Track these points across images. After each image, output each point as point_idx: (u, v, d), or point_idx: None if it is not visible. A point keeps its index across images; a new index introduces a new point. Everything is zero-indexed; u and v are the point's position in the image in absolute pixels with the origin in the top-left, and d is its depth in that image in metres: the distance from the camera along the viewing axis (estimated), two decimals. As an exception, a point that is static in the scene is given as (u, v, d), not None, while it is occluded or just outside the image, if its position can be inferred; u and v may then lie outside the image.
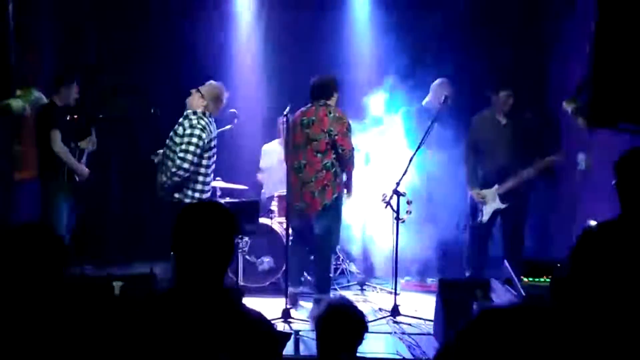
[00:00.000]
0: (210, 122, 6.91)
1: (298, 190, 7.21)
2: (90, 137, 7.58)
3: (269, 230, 7.92)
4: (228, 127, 8.00)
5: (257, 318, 2.90)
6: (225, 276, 2.90)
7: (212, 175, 7.03)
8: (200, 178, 6.89)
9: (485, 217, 7.58)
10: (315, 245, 7.43)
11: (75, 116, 7.60)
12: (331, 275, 7.73)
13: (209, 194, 7.02)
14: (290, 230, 7.26)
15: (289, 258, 7.26)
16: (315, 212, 7.24)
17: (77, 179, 7.41)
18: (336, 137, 7.15)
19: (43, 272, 2.81)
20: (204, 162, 6.86)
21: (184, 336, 2.71)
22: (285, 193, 7.42)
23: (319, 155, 7.18)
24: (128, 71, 8.97)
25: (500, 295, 5.58)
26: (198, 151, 6.78)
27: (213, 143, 6.92)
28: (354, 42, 9.28)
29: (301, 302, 7.45)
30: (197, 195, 6.88)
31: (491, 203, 7.54)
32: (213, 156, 6.95)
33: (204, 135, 6.79)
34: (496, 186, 7.51)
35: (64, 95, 7.38)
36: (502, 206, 7.50)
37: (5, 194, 7.56)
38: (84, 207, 7.75)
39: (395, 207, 6.99)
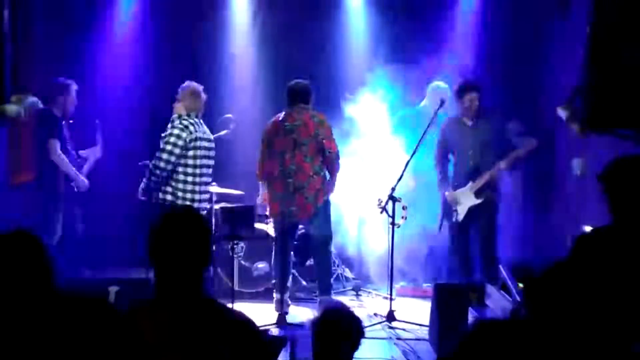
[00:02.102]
0: (195, 122, 6.94)
1: (289, 195, 7.19)
2: (95, 148, 7.59)
3: (265, 235, 7.90)
4: (224, 132, 8.01)
5: (241, 320, 2.92)
6: (204, 281, 2.90)
7: (201, 177, 6.99)
8: (181, 177, 6.90)
9: (460, 216, 7.59)
10: (315, 250, 7.49)
11: (71, 120, 7.60)
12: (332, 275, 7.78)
13: (199, 196, 6.99)
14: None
15: (274, 263, 7.43)
16: (308, 216, 7.27)
17: (75, 186, 7.40)
18: (323, 140, 7.19)
19: (26, 280, 2.79)
20: (190, 161, 6.89)
21: (169, 344, 2.73)
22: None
23: (308, 159, 7.19)
24: (126, 76, 8.95)
25: (495, 300, 5.58)
26: (176, 150, 6.83)
27: (199, 143, 6.92)
28: (348, 46, 9.26)
29: (295, 307, 7.44)
30: (179, 194, 6.91)
31: (466, 201, 7.54)
32: (201, 158, 6.94)
33: (183, 135, 6.83)
34: (470, 184, 7.51)
35: (60, 104, 7.39)
36: (478, 201, 7.50)
37: (1, 197, 7.56)
38: (81, 211, 7.74)
39: (390, 213, 6.98)
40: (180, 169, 6.88)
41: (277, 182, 7.24)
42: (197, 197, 6.93)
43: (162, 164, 6.83)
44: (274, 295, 7.36)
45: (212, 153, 7.10)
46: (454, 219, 7.64)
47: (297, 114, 7.22)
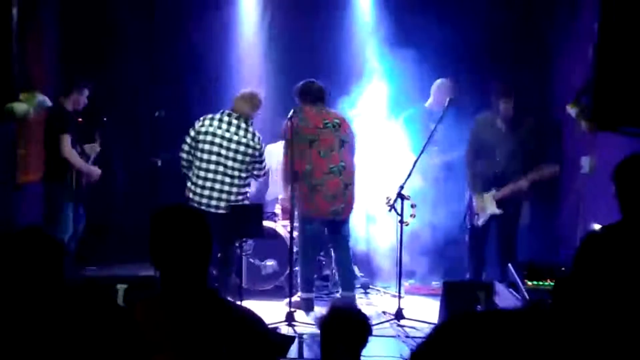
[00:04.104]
0: (223, 120, 7.11)
1: (341, 192, 7.22)
2: (94, 144, 7.60)
3: (273, 233, 7.93)
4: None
5: (248, 317, 2.94)
6: (208, 275, 2.92)
7: (215, 174, 7.03)
8: (193, 170, 7.10)
9: (481, 222, 7.59)
10: (345, 247, 7.50)
11: (80, 119, 7.63)
12: None
13: (209, 192, 7.02)
14: (295, 234, 7.28)
15: (305, 263, 7.36)
16: (350, 213, 7.39)
17: (83, 182, 7.43)
18: (352, 140, 7.38)
19: (39, 275, 2.82)
20: (198, 154, 7.09)
21: (175, 338, 2.75)
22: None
23: (351, 157, 7.32)
24: (132, 74, 8.97)
25: (504, 298, 5.60)
26: (188, 139, 7.12)
27: (205, 137, 7.05)
28: (356, 45, 9.25)
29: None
30: (192, 188, 7.11)
31: (488, 208, 7.54)
32: (206, 152, 7.03)
33: (196, 124, 7.13)
34: (493, 191, 7.51)
35: (75, 100, 7.42)
36: (498, 212, 7.50)
37: (8, 197, 7.59)
38: (89, 209, 7.77)
39: (399, 211, 6.99)
40: (194, 160, 7.10)
41: (330, 180, 7.20)
42: (206, 192, 6.98)
43: (180, 154, 7.16)
44: (300, 294, 7.30)
45: (233, 155, 7.07)
46: (475, 222, 7.65)
47: (329, 113, 7.30)
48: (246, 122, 7.11)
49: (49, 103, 7.42)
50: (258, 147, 7.15)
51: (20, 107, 7.08)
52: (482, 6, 8.64)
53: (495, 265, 7.61)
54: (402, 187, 7.01)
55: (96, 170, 7.50)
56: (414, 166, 7.12)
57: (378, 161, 8.15)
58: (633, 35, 4.70)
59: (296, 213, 7.29)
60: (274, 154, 8.74)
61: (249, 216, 7.14)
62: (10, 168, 7.74)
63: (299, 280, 7.40)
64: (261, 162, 7.24)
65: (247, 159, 7.08)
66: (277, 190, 8.52)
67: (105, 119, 8.01)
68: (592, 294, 3.11)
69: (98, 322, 2.76)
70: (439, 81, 8.31)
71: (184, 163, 7.17)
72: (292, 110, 7.15)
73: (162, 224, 2.90)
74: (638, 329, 3.27)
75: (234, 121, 7.05)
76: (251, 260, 7.95)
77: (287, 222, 7.71)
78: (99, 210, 8.47)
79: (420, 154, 7.17)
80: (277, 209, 8.34)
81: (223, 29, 9.24)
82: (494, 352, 1.74)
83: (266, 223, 7.85)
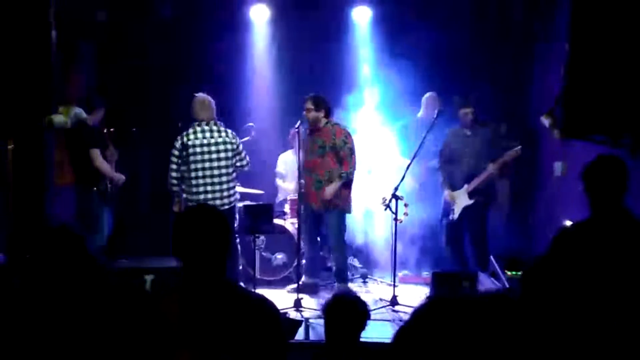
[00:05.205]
0: (198, 130, 7.01)
1: None
2: (111, 150, 7.66)
3: (283, 229, 7.99)
4: (246, 138, 8.07)
5: (259, 299, 2.99)
6: (226, 267, 2.93)
7: (204, 179, 6.99)
8: (185, 178, 7.04)
9: (456, 215, 7.66)
10: None
11: (112, 129, 7.71)
12: None
13: (204, 196, 6.96)
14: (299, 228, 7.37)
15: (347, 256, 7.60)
16: None
17: (112, 186, 7.50)
18: None
19: (68, 267, 2.85)
20: (190, 166, 6.99)
21: (198, 325, 2.78)
22: (296, 197, 7.52)
23: None
24: (158, 91, 9.00)
25: (486, 286, 5.65)
26: (173, 158, 7.03)
27: (193, 150, 6.97)
28: (355, 62, 9.26)
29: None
30: (187, 196, 7.06)
31: (461, 201, 7.61)
32: (196, 162, 6.98)
33: (177, 144, 7.03)
34: (465, 186, 7.62)
35: (95, 116, 7.50)
36: (470, 202, 7.57)
37: (48, 198, 7.64)
38: (121, 208, 7.83)
39: (393, 210, 7.03)
40: (185, 173, 7.03)
41: None
42: (201, 197, 6.94)
43: (170, 174, 7.08)
44: (339, 284, 7.45)
45: (217, 155, 7.02)
46: (450, 217, 7.71)
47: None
48: (216, 124, 7.11)
49: (84, 115, 7.48)
50: (234, 140, 7.12)
51: (58, 118, 7.13)
52: (469, 30, 8.69)
53: (471, 256, 7.68)
54: (396, 189, 7.05)
55: (121, 177, 7.57)
56: (407, 170, 7.16)
57: (375, 165, 8.19)
58: (599, 55, 4.76)
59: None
60: (285, 161, 8.79)
61: (261, 215, 7.19)
62: (50, 172, 7.79)
63: (338, 270, 7.51)
64: (240, 152, 7.15)
65: (230, 154, 7.06)
66: (286, 193, 8.58)
67: (134, 129, 8.06)
68: (562, 281, 3.15)
69: (129, 308, 2.79)
70: (427, 95, 8.36)
71: (174, 181, 7.06)
72: (298, 122, 7.19)
73: (187, 221, 2.94)
74: (604, 314, 3.31)
75: (206, 127, 7.03)
76: (263, 253, 8.01)
77: (294, 220, 7.77)
78: (129, 209, 8.51)
79: (412, 159, 7.22)
80: (286, 208, 8.38)
81: (239, 50, 9.26)
82: (466, 332, 1.75)
83: (276, 221, 7.91)
